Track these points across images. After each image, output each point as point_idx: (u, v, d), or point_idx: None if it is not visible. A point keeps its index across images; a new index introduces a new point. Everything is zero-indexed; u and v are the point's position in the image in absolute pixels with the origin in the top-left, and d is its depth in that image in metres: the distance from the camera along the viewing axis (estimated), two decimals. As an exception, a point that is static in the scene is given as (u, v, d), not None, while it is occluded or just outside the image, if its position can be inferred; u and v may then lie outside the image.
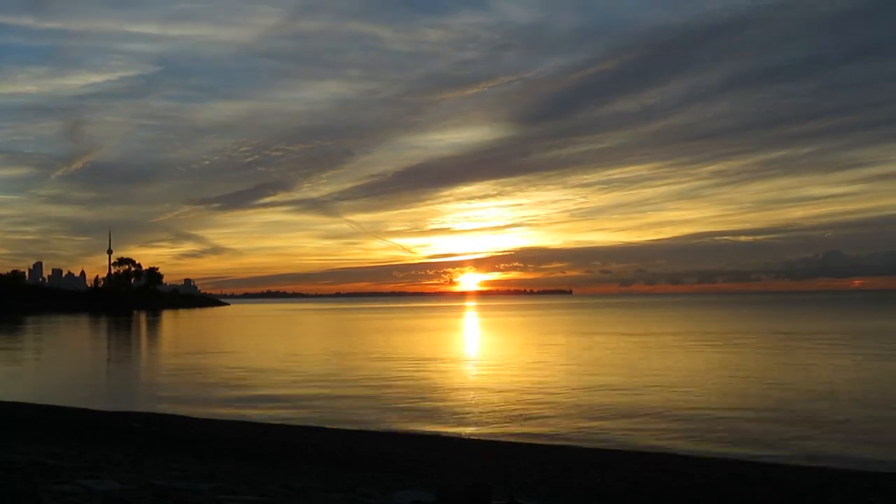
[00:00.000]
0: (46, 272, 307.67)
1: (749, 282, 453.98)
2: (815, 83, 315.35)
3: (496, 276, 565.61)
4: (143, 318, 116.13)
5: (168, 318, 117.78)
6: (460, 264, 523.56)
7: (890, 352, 38.43)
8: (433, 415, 20.45)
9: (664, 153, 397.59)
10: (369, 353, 42.44)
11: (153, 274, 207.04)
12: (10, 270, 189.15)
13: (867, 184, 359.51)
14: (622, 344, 46.20)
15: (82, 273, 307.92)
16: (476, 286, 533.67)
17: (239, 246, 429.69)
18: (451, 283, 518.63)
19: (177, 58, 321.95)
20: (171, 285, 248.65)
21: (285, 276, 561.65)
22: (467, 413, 20.57)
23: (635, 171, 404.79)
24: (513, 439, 16.98)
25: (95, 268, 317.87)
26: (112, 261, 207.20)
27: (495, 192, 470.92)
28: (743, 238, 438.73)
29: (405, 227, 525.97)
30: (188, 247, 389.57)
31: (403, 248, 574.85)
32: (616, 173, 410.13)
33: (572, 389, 24.90)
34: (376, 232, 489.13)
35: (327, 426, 18.62)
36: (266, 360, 38.53)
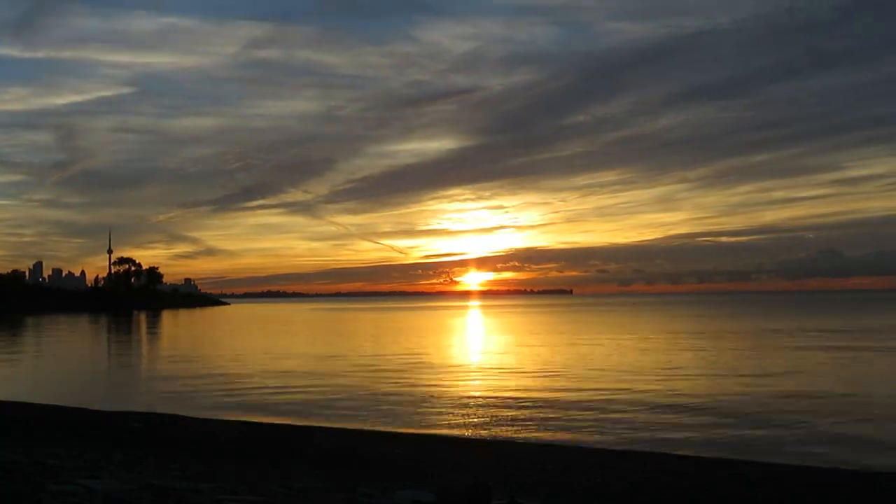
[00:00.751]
0: (46, 272, 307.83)
1: (747, 281, 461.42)
2: (751, 99, 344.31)
3: (494, 276, 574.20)
4: (143, 317, 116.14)
5: (168, 317, 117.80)
6: (458, 264, 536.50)
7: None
8: (433, 415, 20.44)
9: (625, 160, 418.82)
10: (372, 352, 42.44)
11: (153, 274, 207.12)
12: (10, 270, 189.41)
13: (845, 187, 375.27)
14: (629, 344, 46.23)
15: (82, 273, 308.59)
16: (476, 286, 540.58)
17: (233, 247, 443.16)
18: (451, 282, 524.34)
19: (148, 81, 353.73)
20: (171, 285, 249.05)
21: (282, 277, 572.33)
22: (467, 413, 20.56)
23: (604, 177, 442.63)
24: (513, 439, 16.97)
25: (93, 268, 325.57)
26: (112, 260, 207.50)
27: (474, 197, 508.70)
28: (724, 239, 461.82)
29: (392, 229, 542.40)
30: (183, 248, 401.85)
31: (395, 249, 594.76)
32: (584, 179, 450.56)
33: (573, 389, 24.91)
34: (365, 234, 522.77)
35: (327, 426, 18.62)
36: (267, 359, 38.53)
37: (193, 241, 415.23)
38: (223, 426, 18.49)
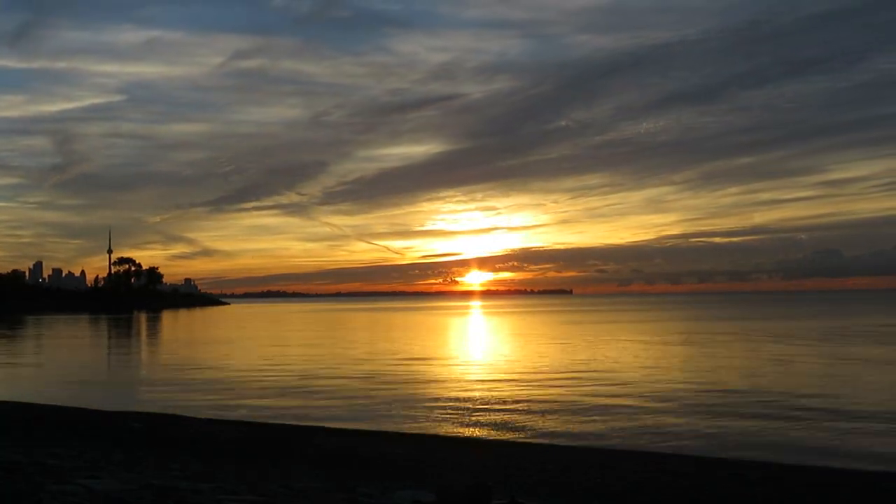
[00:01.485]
0: (46, 272, 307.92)
1: (746, 282, 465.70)
2: (728, 104, 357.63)
3: (493, 276, 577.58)
4: (143, 317, 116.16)
5: (168, 317, 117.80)
6: (455, 265, 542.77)
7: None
8: (433, 415, 20.44)
9: (611, 163, 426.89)
10: (375, 351, 42.46)
11: (153, 274, 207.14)
12: (10, 270, 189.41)
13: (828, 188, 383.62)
14: (631, 342, 46.23)
15: (82, 273, 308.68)
16: (476, 286, 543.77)
17: (229, 248, 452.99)
18: (451, 283, 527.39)
19: (136, 90, 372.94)
20: (171, 285, 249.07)
21: (281, 277, 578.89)
22: (467, 413, 20.56)
23: (592, 180, 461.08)
24: (513, 439, 16.98)
25: (91, 269, 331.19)
26: (112, 260, 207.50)
27: (466, 199, 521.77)
28: (717, 239, 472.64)
29: (386, 230, 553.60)
30: (180, 249, 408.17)
31: (390, 250, 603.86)
32: (573, 182, 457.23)
33: (574, 389, 24.91)
34: (359, 235, 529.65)
35: (327, 426, 18.62)
36: (268, 359, 38.55)
37: (190, 241, 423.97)
38: (223, 426, 18.48)
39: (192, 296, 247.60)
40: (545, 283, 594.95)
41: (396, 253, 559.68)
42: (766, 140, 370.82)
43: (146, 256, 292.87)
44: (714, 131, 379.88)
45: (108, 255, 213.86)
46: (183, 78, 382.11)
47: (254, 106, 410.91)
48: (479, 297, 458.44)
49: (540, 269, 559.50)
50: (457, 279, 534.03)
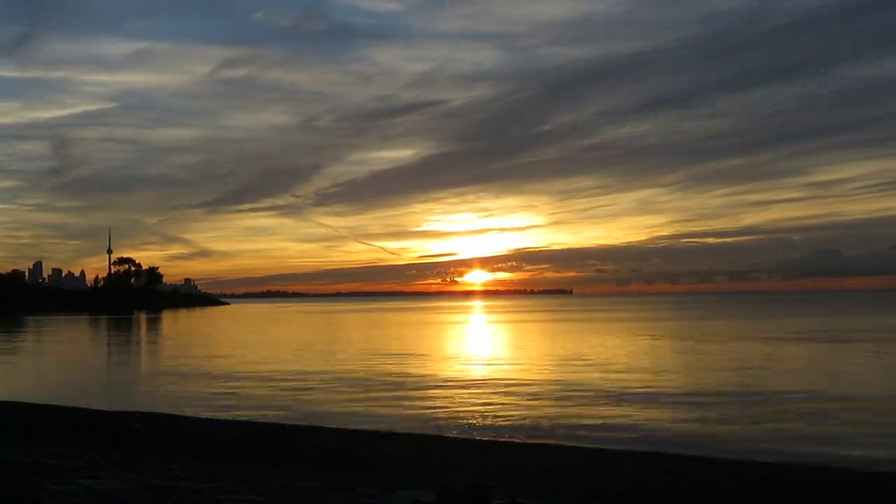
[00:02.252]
0: (46, 272, 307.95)
1: (746, 282, 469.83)
2: (708, 109, 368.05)
3: (492, 276, 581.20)
4: (143, 317, 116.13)
5: (168, 317, 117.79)
6: (453, 265, 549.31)
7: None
8: (433, 414, 20.44)
9: (600, 166, 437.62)
10: (376, 351, 42.45)
11: (153, 274, 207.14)
12: (9, 270, 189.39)
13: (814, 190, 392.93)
14: (633, 341, 46.22)
15: (82, 273, 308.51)
16: (475, 286, 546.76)
17: (227, 248, 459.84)
18: (451, 283, 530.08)
19: (126, 97, 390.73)
20: (171, 285, 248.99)
21: (280, 277, 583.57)
22: (467, 413, 20.56)
23: (581, 182, 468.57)
24: (513, 439, 16.98)
25: (89, 270, 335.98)
26: (112, 260, 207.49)
27: (458, 201, 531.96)
28: (710, 240, 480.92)
29: (381, 231, 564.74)
30: (177, 249, 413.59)
31: (386, 251, 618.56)
32: (563, 184, 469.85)
33: (574, 388, 24.91)
34: (355, 235, 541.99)
35: (327, 426, 18.62)
36: (268, 359, 38.54)
37: (187, 242, 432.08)
38: (223, 426, 18.49)
39: (191, 296, 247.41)
40: (545, 283, 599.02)
41: (393, 253, 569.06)
42: (753, 143, 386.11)
43: (144, 257, 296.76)
44: (697, 135, 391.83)
45: (107, 255, 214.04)
46: (172, 86, 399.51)
47: (243, 112, 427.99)
48: (479, 296, 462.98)
49: (537, 269, 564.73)
50: (456, 279, 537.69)
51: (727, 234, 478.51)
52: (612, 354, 38.38)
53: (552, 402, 22.13)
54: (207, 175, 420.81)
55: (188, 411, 20.95)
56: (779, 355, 37.08)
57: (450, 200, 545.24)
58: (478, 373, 31.47)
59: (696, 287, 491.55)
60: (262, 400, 23.79)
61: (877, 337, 49.82)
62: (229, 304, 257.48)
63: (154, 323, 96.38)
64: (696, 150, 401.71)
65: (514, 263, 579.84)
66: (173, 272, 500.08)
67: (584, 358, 36.45)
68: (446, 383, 27.42)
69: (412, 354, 40.61)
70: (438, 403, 22.32)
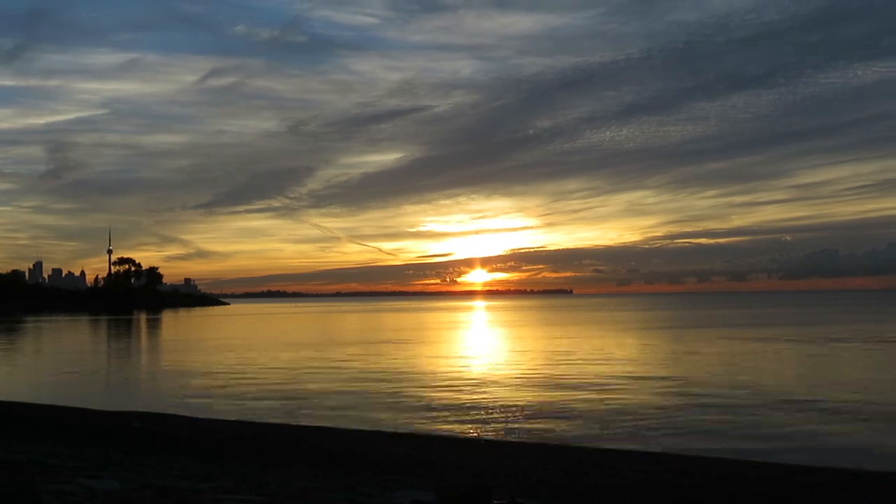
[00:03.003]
0: (46, 272, 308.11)
1: (744, 282, 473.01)
2: (685, 114, 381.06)
3: (491, 277, 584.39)
4: (143, 317, 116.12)
5: (169, 317, 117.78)
6: (450, 265, 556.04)
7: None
8: (433, 414, 20.45)
9: (587, 168, 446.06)
10: (377, 351, 42.46)
11: (153, 274, 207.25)
12: (10, 270, 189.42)
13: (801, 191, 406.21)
14: (631, 343, 46.23)
15: (82, 273, 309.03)
16: (475, 286, 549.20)
17: (224, 249, 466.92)
18: (451, 283, 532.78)
19: (117, 104, 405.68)
20: (171, 285, 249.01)
21: (278, 277, 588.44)
22: (468, 412, 20.57)
23: (570, 185, 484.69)
24: (513, 439, 16.98)
25: (88, 270, 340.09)
26: (112, 260, 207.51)
27: (450, 202, 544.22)
28: (703, 240, 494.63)
29: (375, 232, 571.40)
30: (174, 250, 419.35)
31: (382, 251, 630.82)
32: (552, 186, 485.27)
33: (573, 389, 24.91)
34: (350, 236, 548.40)
35: (327, 426, 18.63)
36: (268, 359, 38.54)
37: (184, 243, 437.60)
38: (223, 426, 18.49)
39: (192, 296, 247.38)
40: (544, 283, 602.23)
41: (389, 254, 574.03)
42: (734, 146, 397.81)
43: (141, 258, 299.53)
44: (678, 138, 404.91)
45: (107, 255, 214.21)
46: (161, 94, 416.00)
47: (231, 118, 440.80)
48: (481, 296, 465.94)
49: (534, 269, 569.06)
50: (456, 279, 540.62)
51: (720, 234, 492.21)
52: (625, 354, 38.40)
53: (552, 403, 22.13)
54: (200, 178, 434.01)
55: (188, 411, 20.95)
56: (780, 356, 37.10)
57: (442, 202, 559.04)
58: (479, 373, 31.48)
59: (696, 287, 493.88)
60: (262, 400, 23.79)
61: (874, 337, 49.88)
62: (229, 303, 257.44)
63: (154, 323, 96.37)
64: (679, 153, 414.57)
65: (512, 264, 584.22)
66: (171, 272, 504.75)
67: (593, 357, 36.47)
68: (447, 383, 27.43)
69: (415, 354, 40.63)
70: (439, 403, 22.33)
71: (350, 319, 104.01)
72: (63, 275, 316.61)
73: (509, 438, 17.05)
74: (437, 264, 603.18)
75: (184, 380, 29.92)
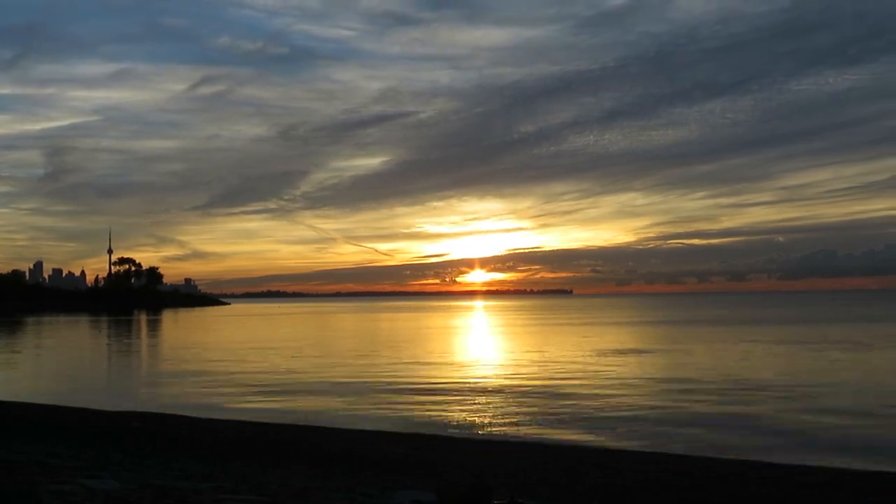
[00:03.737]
0: (46, 272, 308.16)
1: (744, 281, 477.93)
2: (663, 119, 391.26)
3: (488, 277, 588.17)
4: (143, 317, 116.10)
5: (169, 317, 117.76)
6: (448, 265, 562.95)
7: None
8: (434, 415, 20.45)
9: (572, 171, 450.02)
10: (377, 351, 42.46)
11: (153, 274, 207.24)
12: (10, 270, 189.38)
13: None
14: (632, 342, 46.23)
15: (82, 273, 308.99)
16: (474, 286, 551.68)
17: (220, 250, 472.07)
18: (450, 283, 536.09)
19: (109, 111, 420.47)
20: (171, 285, 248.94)
21: (277, 277, 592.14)
22: (468, 413, 20.57)
23: (559, 188, 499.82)
24: (513, 439, 16.98)
25: (88, 270, 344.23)
26: (112, 260, 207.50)
27: (443, 204, 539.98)
28: (696, 241, 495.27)
29: (369, 233, 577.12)
30: (172, 251, 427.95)
31: (378, 252, 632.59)
32: (542, 188, 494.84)
33: (574, 389, 24.91)
34: (346, 237, 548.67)
35: (327, 426, 18.62)
36: (268, 358, 38.53)
37: (182, 244, 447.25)
38: (224, 426, 18.49)
39: (192, 296, 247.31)
40: (543, 283, 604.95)
41: (385, 255, 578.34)
42: (718, 149, 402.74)
43: (139, 259, 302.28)
44: (662, 142, 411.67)
45: (108, 255, 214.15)
46: (151, 102, 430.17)
47: (221, 124, 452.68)
48: (481, 297, 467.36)
49: (532, 270, 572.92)
50: (455, 280, 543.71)
51: (711, 235, 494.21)
52: (625, 355, 38.40)
53: (553, 402, 22.13)
54: (195, 181, 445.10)
55: (188, 411, 20.95)
56: (780, 357, 37.09)
57: (434, 204, 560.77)
58: (480, 373, 31.49)
59: (696, 287, 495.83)
60: (262, 400, 23.79)
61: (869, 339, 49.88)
62: (229, 304, 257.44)
63: (154, 323, 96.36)
64: (664, 156, 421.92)
65: (510, 264, 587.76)
66: (169, 273, 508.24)
67: (580, 358, 36.47)
68: (447, 383, 27.44)
69: (419, 354, 40.62)
70: (439, 403, 22.33)
71: (346, 320, 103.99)
72: (63, 275, 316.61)
73: (509, 438, 17.05)
74: (435, 265, 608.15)
75: (184, 380, 29.92)
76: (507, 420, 19.42)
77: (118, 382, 31.81)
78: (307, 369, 33.03)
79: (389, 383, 27.40)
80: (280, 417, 20.21)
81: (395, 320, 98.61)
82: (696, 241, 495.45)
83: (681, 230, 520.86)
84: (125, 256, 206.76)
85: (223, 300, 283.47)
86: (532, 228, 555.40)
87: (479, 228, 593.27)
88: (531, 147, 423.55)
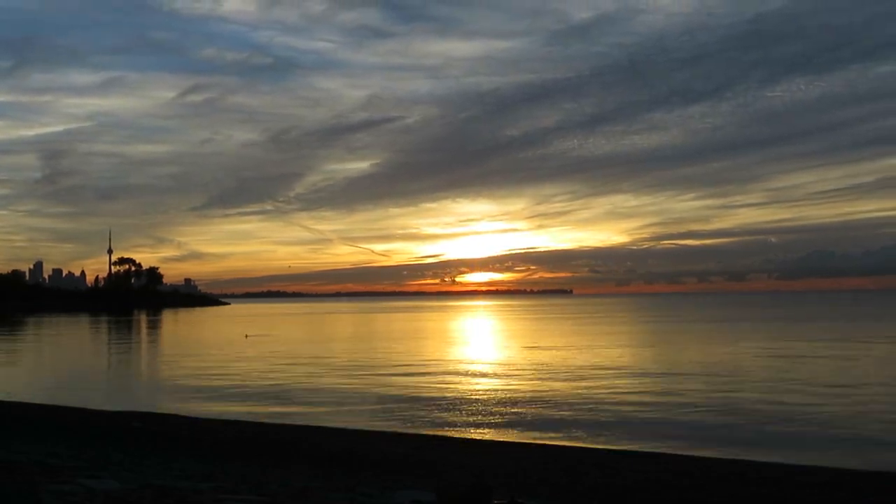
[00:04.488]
0: (46, 272, 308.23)
1: (744, 281, 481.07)
2: (644, 124, 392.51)
3: (486, 277, 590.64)
4: (143, 317, 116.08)
5: (169, 317, 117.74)
6: (447, 265, 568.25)
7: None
8: (433, 415, 20.45)
9: (562, 173, 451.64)
10: (377, 351, 42.45)
11: (153, 274, 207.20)
12: (10, 270, 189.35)
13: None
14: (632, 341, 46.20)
15: (82, 273, 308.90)
16: (474, 286, 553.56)
17: (217, 250, 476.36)
18: (450, 283, 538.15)
19: (101, 117, 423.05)
20: (171, 285, 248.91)
21: (276, 278, 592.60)
22: (468, 413, 20.57)
23: (550, 189, 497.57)
24: (513, 439, 16.98)
25: (87, 271, 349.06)
26: (112, 260, 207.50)
27: (436, 206, 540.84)
28: (690, 242, 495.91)
29: (365, 234, 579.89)
30: (170, 251, 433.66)
31: (375, 252, 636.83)
32: (532, 190, 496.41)
33: (574, 389, 24.91)
34: (342, 238, 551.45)
35: (327, 426, 18.63)
36: (268, 358, 38.53)
37: (179, 245, 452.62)
38: (224, 426, 18.49)
39: (192, 296, 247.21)
40: (543, 283, 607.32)
41: (382, 255, 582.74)
42: (703, 152, 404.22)
43: (137, 259, 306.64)
44: (646, 146, 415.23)
45: (107, 256, 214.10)
46: (141, 108, 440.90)
47: (213, 129, 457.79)
48: (481, 297, 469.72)
49: (530, 270, 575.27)
50: (455, 280, 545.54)
51: (704, 235, 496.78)
52: (603, 354, 38.39)
53: (553, 402, 22.13)
54: (190, 184, 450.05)
55: (188, 411, 20.96)
56: (781, 356, 37.08)
57: (428, 205, 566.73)
58: (480, 372, 31.49)
59: (696, 287, 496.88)
60: (262, 400, 23.79)
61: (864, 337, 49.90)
62: (229, 304, 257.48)
63: (154, 323, 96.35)
64: (650, 159, 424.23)
65: (508, 264, 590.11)
66: (167, 273, 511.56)
67: (581, 358, 36.46)
68: (448, 383, 27.44)
69: (419, 354, 40.62)
70: (439, 403, 22.33)
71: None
72: (63, 275, 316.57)
73: (509, 438, 17.05)
74: (434, 265, 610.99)
75: (184, 380, 29.91)
76: (507, 420, 19.42)
77: (118, 382, 31.81)
78: (306, 369, 33.03)
79: (389, 383, 27.40)
80: (280, 417, 20.20)
81: (393, 321, 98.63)
82: (689, 242, 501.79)
83: (674, 231, 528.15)
84: (125, 257, 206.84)
85: (223, 300, 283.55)
86: (526, 229, 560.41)
87: (473, 229, 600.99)
88: (518, 151, 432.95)
